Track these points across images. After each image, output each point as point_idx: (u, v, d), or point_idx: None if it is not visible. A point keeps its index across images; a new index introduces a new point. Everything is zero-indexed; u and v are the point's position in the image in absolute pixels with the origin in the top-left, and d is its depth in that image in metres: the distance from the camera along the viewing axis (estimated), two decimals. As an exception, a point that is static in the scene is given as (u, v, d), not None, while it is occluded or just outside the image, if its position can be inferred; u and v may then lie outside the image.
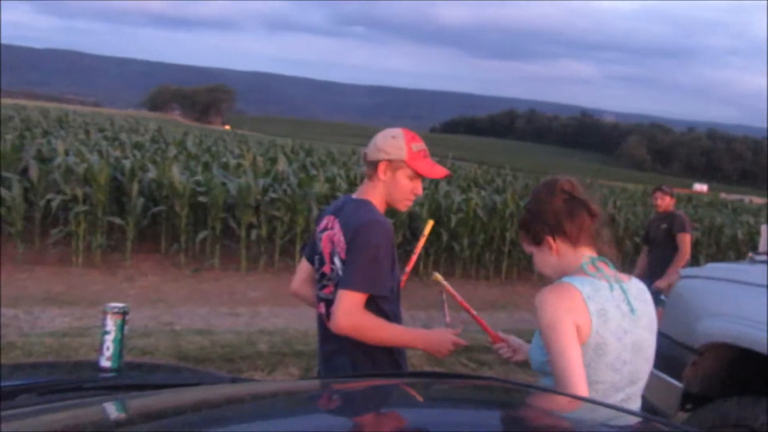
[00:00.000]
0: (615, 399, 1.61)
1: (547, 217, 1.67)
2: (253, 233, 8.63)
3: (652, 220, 6.12)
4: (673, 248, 5.55)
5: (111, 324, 1.86)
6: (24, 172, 8.32)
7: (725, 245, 12.95)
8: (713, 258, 11.77)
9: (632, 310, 1.62)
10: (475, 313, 2.11)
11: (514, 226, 10.39)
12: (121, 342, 1.85)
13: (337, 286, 2.05)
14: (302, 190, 9.15)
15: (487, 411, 1.21)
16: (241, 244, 8.60)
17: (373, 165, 2.11)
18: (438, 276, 2.15)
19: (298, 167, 12.75)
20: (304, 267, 2.30)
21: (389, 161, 2.09)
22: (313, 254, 2.22)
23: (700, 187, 64.18)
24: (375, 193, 2.13)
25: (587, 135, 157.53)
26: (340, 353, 2.12)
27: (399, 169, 2.09)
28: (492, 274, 10.12)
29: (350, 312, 1.97)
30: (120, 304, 1.89)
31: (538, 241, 1.71)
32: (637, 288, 1.68)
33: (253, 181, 8.87)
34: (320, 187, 9.40)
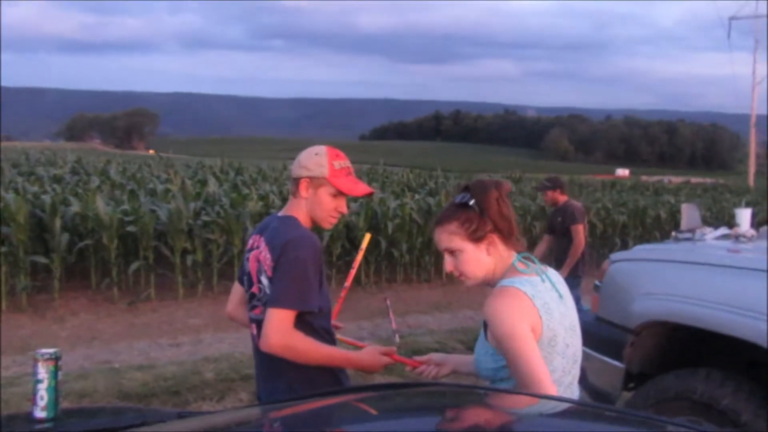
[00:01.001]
0: (565, 382, 1.68)
1: (491, 214, 1.68)
2: (189, 259, 8.41)
3: (552, 212, 6.16)
4: (569, 239, 5.68)
5: (43, 371, 1.75)
6: (-67, 217, 7.81)
7: (650, 226, 13.58)
8: (640, 239, 12.31)
9: (560, 296, 1.69)
10: (396, 348, 2.10)
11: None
12: (55, 389, 1.75)
13: (266, 305, 2.03)
14: (235, 210, 8.99)
15: (441, 416, 1.22)
16: (177, 271, 8.35)
17: (296, 182, 2.11)
18: (367, 238, 2.41)
19: (230, 187, 12.53)
20: (236, 289, 2.28)
21: (311, 178, 2.09)
22: (242, 275, 2.21)
23: (622, 172, 67.06)
24: (299, 210, 2.12)
25: (512, 131, 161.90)
26: (276, 375, 2.08)
27: (321, 186, 2.09)
28: (433, 276, 10.23)
29: (280, 330, 1.94)
30: (51, 350, 1.78)
31: (477, 238, 1.69)
32: (554, 273, 1.75)
33: (184, 205, 8.64)
34: (254, 205, 9.26)
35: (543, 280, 1.68)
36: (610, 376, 3.29)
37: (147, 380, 4.89)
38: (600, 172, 65.83)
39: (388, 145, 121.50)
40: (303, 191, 2.09)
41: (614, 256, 3.72)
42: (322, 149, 2.13)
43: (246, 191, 11.16)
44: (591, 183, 29.77)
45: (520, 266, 1.69)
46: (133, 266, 8.21)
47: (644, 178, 47.46)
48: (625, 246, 11.09)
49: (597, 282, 3.61)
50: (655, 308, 3.11)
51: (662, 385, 3.02)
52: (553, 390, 1.53)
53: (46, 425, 1.70)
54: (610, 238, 12.67)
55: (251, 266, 2.11)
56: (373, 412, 1.27)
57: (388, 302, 2.63)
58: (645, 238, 12.71)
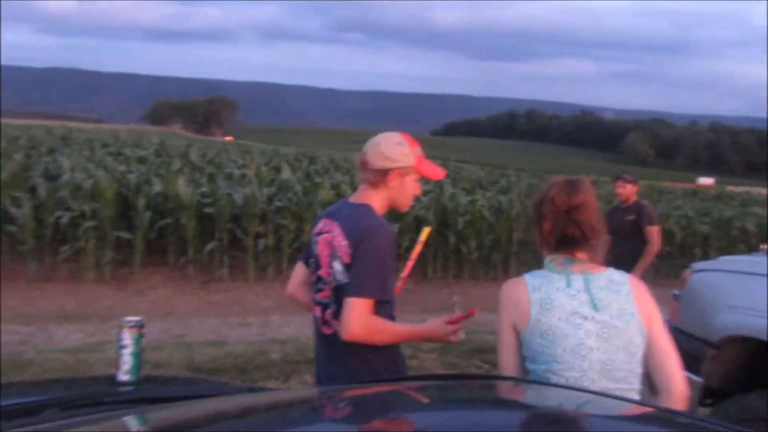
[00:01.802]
0: (571, 377, 1.68)
1: (534, 213, 1.83)
2: (261, 243, 8.64)
3: (613, 209, 5.61)
4: (641, 240, 5.34)
5: (128, 338, 1.85)
6: (32, 190, 8.35)
7: (735, 238, 12.89)
8: (724, 251, 11.70)
9: (593, 300, 1.70)
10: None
11: (521, 227, 10.37)
12: (138, 356, 1.84)
13: (335, 290, 2.05)
14: (307, 197, 9.16)
15: (502, 410, 1.21)
16: (249, 254, 8.60)
17: (381, 173, 2.10)
18: (426, 231, 2.44)
19: (303, 175, 12.77)
20: (299, 271, 2.30)
21: (399, 168, 2.10)
22: (308, 258, 2.22)
23: (705, 181, 63.94)
24: (376, 198, 2.13)
25: (588, 132, 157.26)
26: (337, 359, 2.11)
27: (407, 175, 2.12)
28: (501, 274, 10.09)
29: (361, 320, 1.97)
30: (135, 318, 1.88)
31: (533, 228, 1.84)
32: (608, 279, 1.75)
33: (258, 190, 8.88)
34: (325, 194, 9.41)
35: (570, 283, 1.72)
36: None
37: (217, 356, 5.07)
38: (680, 179, 63.05)
39: (460, 142, 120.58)
40: (391, 182, 2.10)
41: (697, 265, 3.55)
42: (400, 138, 2.14)
43: (318, 180, 11.35)
44: (670, 190, 28.56)
45: (551, 266, 1.78)
46: (209, 246, 8.51)
47: (730, 188, 45.05)
48: (707, 257, 10.58)
49: (676, 291, 3.46)
50: (739, 322, 2.96)
51: (744, 405, 2.86)
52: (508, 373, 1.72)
53: (129, 388, 1.79)
54: (690, 247, 12.11)
55: (320, 250, 2.13)
56: (427, 400, 1.27)
57: (456, 298, 2.63)
58: (729, 250, 12.07)
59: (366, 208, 2.11)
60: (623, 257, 4.96)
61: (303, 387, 4.37)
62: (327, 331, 2.12)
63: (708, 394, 3.14)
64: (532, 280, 1.75)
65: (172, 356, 4.94)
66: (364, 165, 2.13)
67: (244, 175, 11.25)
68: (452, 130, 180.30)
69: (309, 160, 20.63)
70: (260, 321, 6.66)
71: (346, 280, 2.03)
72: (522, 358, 1.75)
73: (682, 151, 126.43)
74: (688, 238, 12.27)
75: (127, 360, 1.82)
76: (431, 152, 2.29)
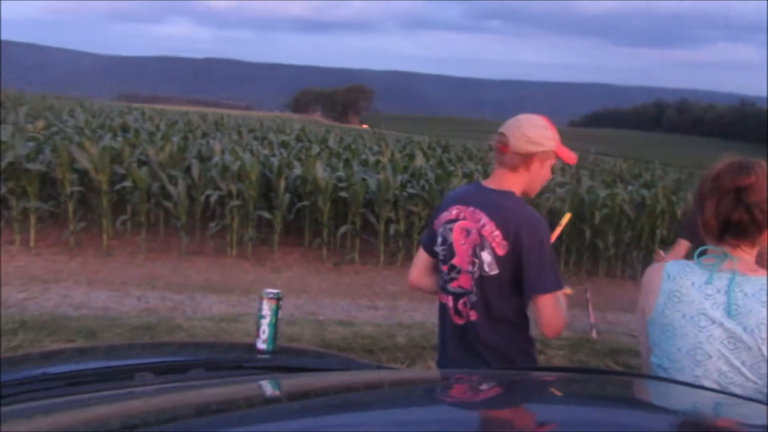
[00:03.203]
0: (683, 374, 1.55)
1: (696, 199, 1.63)
2: (392, 228, 8.79)
3: None
4: None
5: (267, 308, 1.94)
6: (187, 170, 9.09)
7: None
8: None
9: (729, 304, 1.49)
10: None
11: (665, 223, 9.69)
12: (275, 326, 1.93)
13: (479, 281, 2.01)
14: (440, 185, 9.17)
15: (633, 409, 1.13)
16: (380, 239, 8.79)
17: (524, 157, 2.01)
18: (567, 217, 2.38)
19: (436, 163, 12.79)
20: (422, 257, 2.26)
21: (543, 153, 2.02)
22: (432, 244, 2.17)
23: None
24: (515, 183, 2.05)
25: (748, 124, 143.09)
26: (472, 352, 2.07)
27: (548, 159, 2.05)
28: (639, 273, 9.50)
29: (560, 314, 1.97)
30: (275, 290, 1.97)
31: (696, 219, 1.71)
32: (761, 286, 1.50)
33: (392, 176, 9.03)
34: (458, 182, 9.36)
35: (711, 280, 1.54)
36: None
37: (346, 335, 5.24)
38: None
39: (601, 133, 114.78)
40: (533, 166, 2.03)
41: None
42: (542, 120, 2.06)
43: (451, 168, 11.32)
44: None
45: (701, 259, 1.62)
46: (342, 229, 8.80)
47: None
48: None
49: None
50: None
51: None
52: (646, 365, 1.64)
53: (266, 356, 1.89)
54: None
55: (455, 238, 2.07)
56: (558, 393, 1.22)
57: (588, 294, 2.52)
58: None
59: (513, 196, 2.04)
60: None
61: (424, 370, 4.40)
62: (459, 321, 2.09)
63: None
64: (671, 267, 1.61)
65: (304, 332, 5.17)
66: (504, 148, 2.03)
67: (378, 161, 11.49)
68: (593, 121, 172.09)
69: (442, 149, 20.63)
70: (388, 305, 6.78)
71: (495, 272, 1.99)
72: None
73: None
74: None
75: (265, 330, 1.92)
76: (570, 144, 2.19)
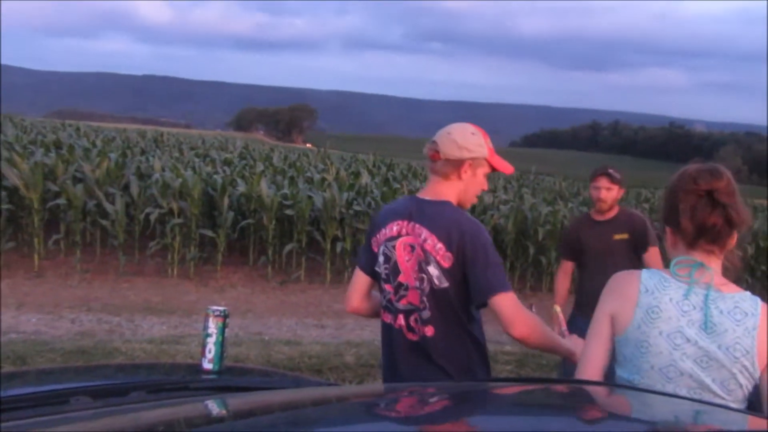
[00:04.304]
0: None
1: (666, 206, 1.58)
2: (338, 246, 8.72)
3: (582, 222, 4.05)
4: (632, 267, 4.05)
5: (213, 326, 1.86)
6: (125, 187, 8.79)
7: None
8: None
9: (705, 323, 1.48)
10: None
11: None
12: (222, 345, 1.85)
13: (430, 295, 1.96)
14: (386, 202, 9.17)
15: (585, 416, 1.11)
16: (326, 257, 8.70)
17: (454, 164, 2.00)
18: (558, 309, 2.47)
19: (381, 181, 12.82)
20: (362, 280, 2.18)
21: (473, 159, 2.01)
22: (372, 264, 2.11)
23: (806, 199, 59.66)
24: (450, 193, 2.03)
25: (677, 146, 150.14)
26: (426, 365, 2.02)
27: (480, 167, 2.04)
28: (581, 288, 9.74)
29: (522, 314, 1.90)
30: (221, 308, 1.89)
31: (663, 228, 1.62)
32: (735, 304, 1.49)
33: (338, 194, 8.98)
34: (404, 200, 9.40)
35: (688, 294, 1.50)
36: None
37: (293, 355, 5.12)
38: (780, 197, 59.00)
39: (540, 153, 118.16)
40: (464, 173, 2.02)
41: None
42: (474, 128, 2.05)
43: (396, 185, 11.36)
44: (764, 208, 26.79)
45: (675, 270, 1.55)
46: (287, 248, 8.67)
47: (835, 207, 41.76)
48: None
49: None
50: None
51: None
52: (588, 376, 1.55)
53: (212, 376, 1.80)
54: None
55: (400, 254, 2.01)
56: (509, 403, 1.19)
57: (534, 310, 2.57)
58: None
59: (449, 206, 2.01)
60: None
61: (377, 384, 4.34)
62: (413, 337, 2.03)
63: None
64: (648, 279, 1.54)
65: (249, 352, 5.03)
66: (435, 156, 2.01)
67: (323, 179, 11.42)
68: (532, 141, 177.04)
69: (387, 167, 20.74)
70: (335, 323, 6.70)
71: (445, 285, 1.95)
72: (609, 356, 1.58)
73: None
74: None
75: (211, 348, 1.84)
76: (511, 163, 2.18)
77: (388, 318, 2.09)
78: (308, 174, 12.62)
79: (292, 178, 11.07)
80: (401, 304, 2.04)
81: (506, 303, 1.89)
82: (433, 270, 1.96)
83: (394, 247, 2.03)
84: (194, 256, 8.28)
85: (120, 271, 7.85)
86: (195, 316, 6.14)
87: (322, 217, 8.82)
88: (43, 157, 8.98)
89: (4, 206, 7.79)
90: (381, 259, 2.07)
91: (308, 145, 79.13)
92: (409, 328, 2.03)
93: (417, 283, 1.99)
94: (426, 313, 1.99)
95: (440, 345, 1.99)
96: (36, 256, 7.70)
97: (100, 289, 7.19)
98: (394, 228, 2.04)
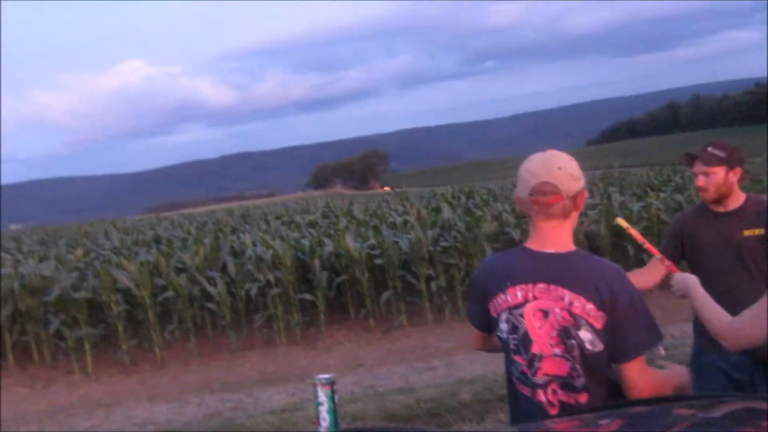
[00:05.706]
0: None
1: None
2: (433, 285, 8.74)
3: (695, 213, 3.10)
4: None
5: (322, 395, 1.93)
6: (223, 268, 9.25)
7: None
8: None
9: None
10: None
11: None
12: (334, 411, 1.91)
13: (583, 362, 1.78)
14: (471, 232, 9.15)
15: None
16: (424, 298, 8.73)
17: (574, 198, 1.81)
18: (620, 220, 2.49)
19: (463, 211, 12.80)
20: (479, 334, 2.05)
21: (583, 184, 1.87)
22: (487, 325, 1.95)
23: None
24: (568, 235, 1.84)
25: (767, 106, 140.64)
26: None
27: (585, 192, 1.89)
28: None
29: (647, 380, 1.78)
30: (327, 375, 1.96)
31: None
32: None
33: (422, 234, 9.05)
34: (488, 226, 9.35)
35: None
36: None
37: (409, 403, 5.15)
38: None
39: (620, 146, 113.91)
40: (582, 203, 1.85)
41: None
42: (567, 155, 1.89)
43: (479, 213, 11.32)
44: None
45: None
46: (384, 296, 8.78)
47: None
48: None
49: None
50: None
51: None
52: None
53: (331, 442, 1.87)
54: None
55: (530, 322, 1.82)
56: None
57: (634, 233, 2.56)
58: None
59: (582, 256, 1.83)
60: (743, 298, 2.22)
61: (501, 425, 4.27)
62: (554, 411, 1.83)
63: None
64: None
65: (366, 407, 5.10)
66: (556, 198, 1.79)
67: (406, 222, 11.55)
68: (609, 135, 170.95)
69: (467, 195, 20.67)
70: (445, 363, 6.67)
71: (600, 348, 1.77)
72: None
73: None
74: None
75: (325, 417, 1.90)
76: (591, 163, 2.13)
77: (525, 390, 1.89)
78: (390, 219, 12.81)
79: (375, 227, 11.27)
80: (538, 378, 1.84)
81: (633, 369, 1.77)
82: (585, 334, 1.77)
83: (521, 315, 1.84)
84: (298, 322, 8.54)
85: (232, 348, 8.21)
86: (308, 380, 6.27)
87: (411, 259, 8.89)
88: (146, 255, 9.64)
89: (122, 308, 8.38)
90: (504, 326, 1.88)
91: (386, 188, 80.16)
92: (550, 403, 1.84)
93: (555, 351, 1.80)
94: (580, 381, 1.81)
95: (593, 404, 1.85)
96: (156, 349, 8.19)
97: (218, 369, 7.54)
98: (518, 294, 1.84)
